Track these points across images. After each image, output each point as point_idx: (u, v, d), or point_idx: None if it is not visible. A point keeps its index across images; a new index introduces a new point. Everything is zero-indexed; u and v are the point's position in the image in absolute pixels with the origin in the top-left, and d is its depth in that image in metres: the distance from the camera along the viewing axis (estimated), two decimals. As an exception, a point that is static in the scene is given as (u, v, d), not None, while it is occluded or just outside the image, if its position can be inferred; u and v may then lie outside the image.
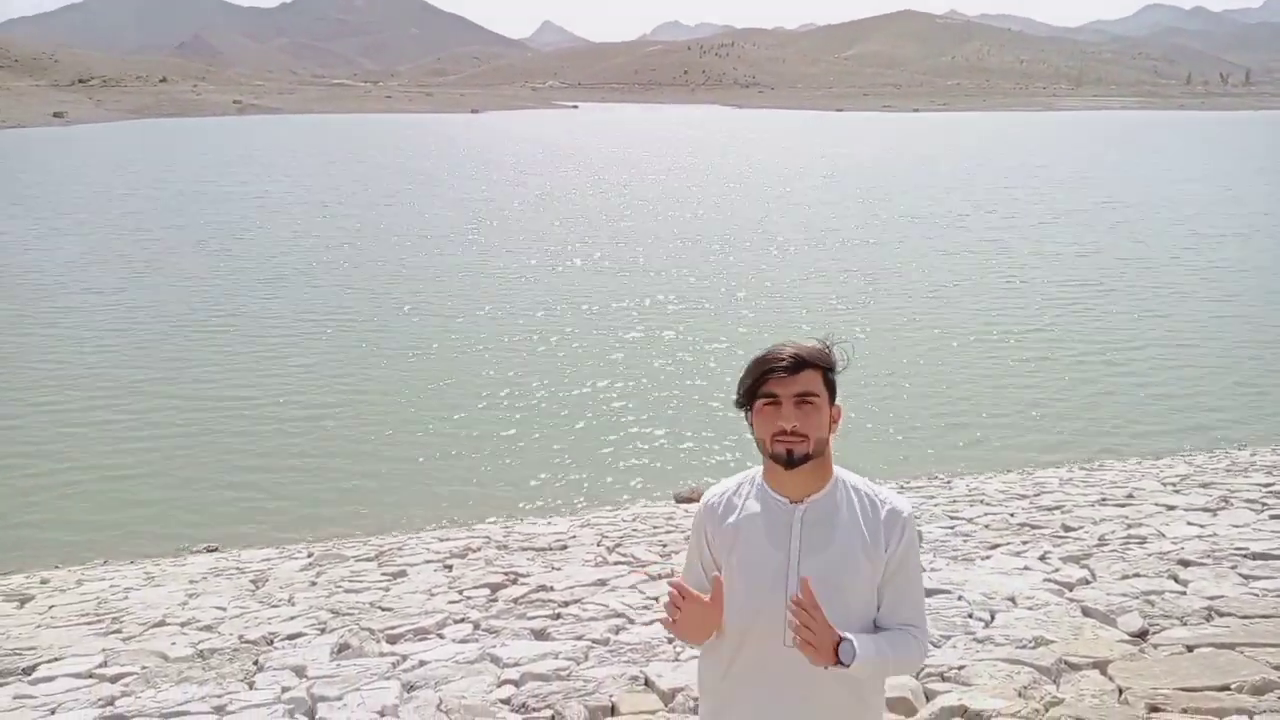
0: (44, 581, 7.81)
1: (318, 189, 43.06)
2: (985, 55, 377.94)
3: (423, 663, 4.22)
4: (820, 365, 1.76)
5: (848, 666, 1.67)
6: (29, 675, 4.50)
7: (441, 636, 4.76)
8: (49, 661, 4.70)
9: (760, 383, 1.75)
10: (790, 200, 37.25)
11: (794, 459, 1.73)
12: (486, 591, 5.75)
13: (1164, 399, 13.84)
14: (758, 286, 21.73)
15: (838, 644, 1.67)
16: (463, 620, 5.04)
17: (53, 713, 3.86)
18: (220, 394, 14.36)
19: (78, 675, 4.42)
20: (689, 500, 11.05)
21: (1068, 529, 6.44)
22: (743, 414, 1.81)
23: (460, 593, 5.79)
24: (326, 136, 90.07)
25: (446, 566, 6.75)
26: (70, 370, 15.36)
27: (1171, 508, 6.86)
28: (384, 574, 6.69)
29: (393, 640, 4.73)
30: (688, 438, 12.40)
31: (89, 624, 5.74)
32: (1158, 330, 17.67)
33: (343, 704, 3.72)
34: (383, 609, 5.54)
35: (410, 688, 3.87)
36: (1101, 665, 3.63)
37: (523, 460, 11.79)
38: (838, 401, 1.80)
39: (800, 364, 1.74)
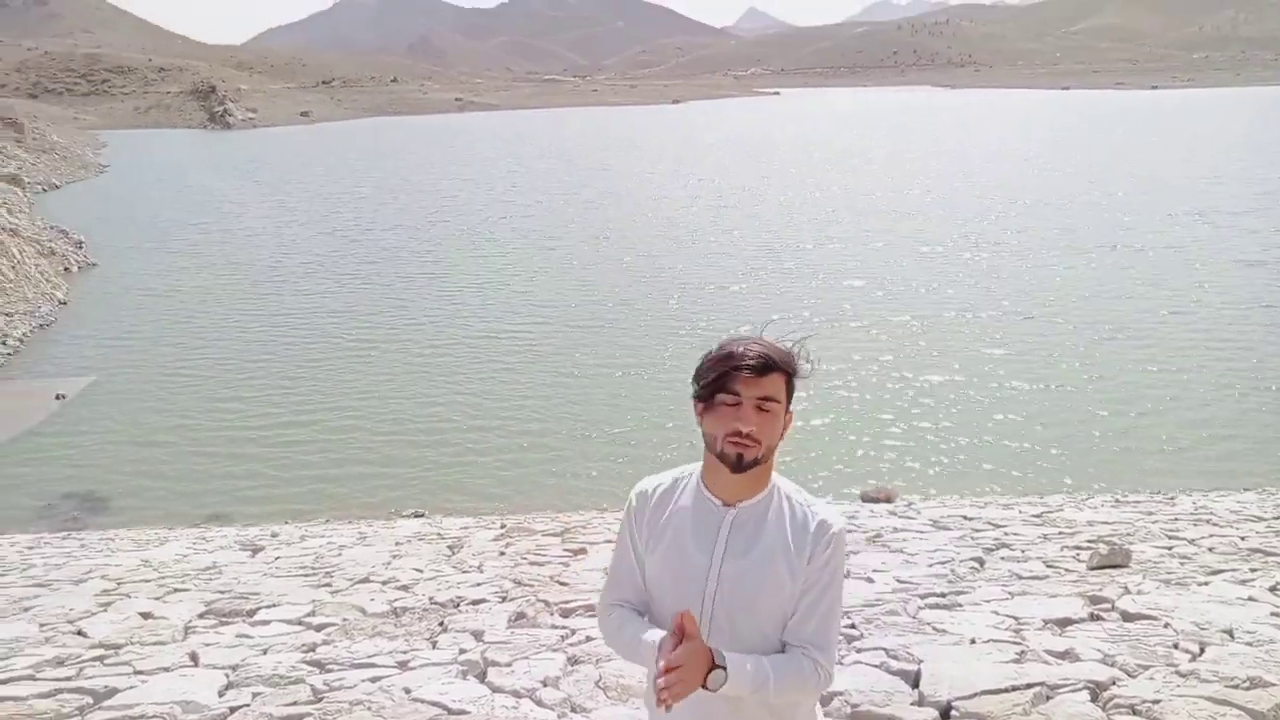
0: (274, 535, 8.74)
1: (518, 188, 45.10)
2: (1241, 24, 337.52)
3: (589, 638, 4.34)
4: (786, 370, 1.68)
5: (713, 690, 1.59)
6: (250, 618, 5.04)
7: (610, 616, 4.88)
8: (268, 607, 5.25)
9: (726, 379, 1.66)
10: (1035, 196, 34.70)
11: (744, 463, 1.66)
12: (658, 575, 5.83)
13: None
14: (976, 292, 20.66)
15: (708, 673, 1.59)
16: (632, 602, 5.13)
17: (264, 653, 4.30)
18: (435, 380, 15.58)
19: (288, 622, 4.90)
20: (876, 500, 10.69)
21: (1309, 558, 5.68)
22: (695, 405, 1.72)
23: (634, 574, 5.90)
24: (533, 131, 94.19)
25: (624, 548, 6.91)
26: (297, 363, 17.09)
27: None
28: (566, 549, 6.96)
29: (565, 614, 4.90)
30: (868, 438, 12.02)
31: (304, 576, 6.36)
32: None
33: (511, 670, 3.90)
34: (560, 583, 5.75)
35: (574, 661, 4.01)
36: (1332, 716, 3.18)
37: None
38: (790, 408, 1.71)
39: (768, 366, 1.66)
